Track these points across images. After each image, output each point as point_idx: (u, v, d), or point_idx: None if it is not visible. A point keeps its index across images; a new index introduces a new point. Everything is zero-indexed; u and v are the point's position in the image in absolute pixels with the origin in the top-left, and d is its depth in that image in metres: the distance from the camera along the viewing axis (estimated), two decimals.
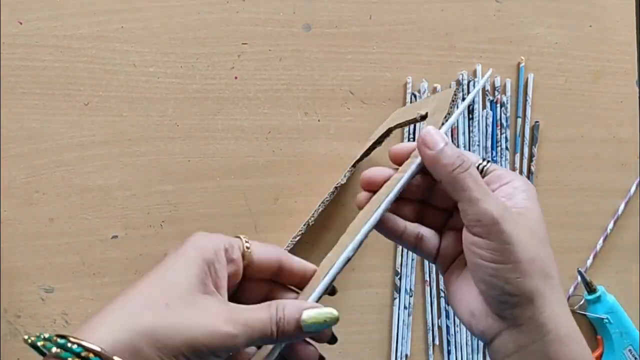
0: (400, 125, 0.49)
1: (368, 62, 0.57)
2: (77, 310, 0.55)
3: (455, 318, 0.57)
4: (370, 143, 0.53)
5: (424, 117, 0.42)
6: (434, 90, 0.57)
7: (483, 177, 0.35)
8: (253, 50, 0.56)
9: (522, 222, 0.33)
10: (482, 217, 0.32)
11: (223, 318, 0.29)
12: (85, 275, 0.55)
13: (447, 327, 0.58)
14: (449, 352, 0.58)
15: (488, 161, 0.37)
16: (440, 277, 0.57)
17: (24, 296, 0.54)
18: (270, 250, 0.35)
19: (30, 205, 0.54)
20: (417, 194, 0.38)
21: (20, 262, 0.54)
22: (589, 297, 0.57)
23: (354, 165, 0.54)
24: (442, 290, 0.58)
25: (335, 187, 0.53)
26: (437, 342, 0.58)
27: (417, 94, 0.57)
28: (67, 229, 0.54)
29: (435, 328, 0.58)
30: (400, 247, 0.57)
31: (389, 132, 0.51)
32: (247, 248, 0.34)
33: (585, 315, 0.57)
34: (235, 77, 0.56)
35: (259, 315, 0.30)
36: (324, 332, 0.33)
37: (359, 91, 0.57)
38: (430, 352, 0.57)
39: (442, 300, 0.58)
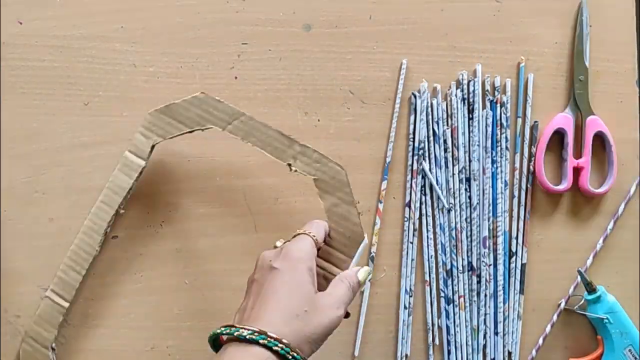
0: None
1: (368, 62, 0.57)
2: (77, 310, 0.55)
3: (456, 318, 0.57)
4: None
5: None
6: (434, 91, 0.57)
7: None
8: (253, 50, 0.56)
9: None
10: None
11: (335, 307, 0.42)
12: (85, 276, 0.55)
13: (447, 327, 0.58)
14: (449, 352, 0.58)
15: None
16: (440, 277, 0.57)
17: (24, 296, 0.54)
18: (321, 231, 0.47)
19: (30, 205, 0.54)
20: None
21: (20, 262, 0.54)
22: (589, 297, 0.56)
23: None
24: (441, 290, 0.58)
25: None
26: (437, 342, 0.58)
27: (417, 94, 0.57)
28: (67, 229, 0.54)
29: (435, 328, 0.58)
30: (401, 247, 0.57)
31: None
32: (317, 242, 0.45)
33: (585, 315, 0.57)
34: (235, 77, 0.56)
35: (344, 291, 0.43)
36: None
37: (359, 91, 0.57)
38: (431, 352, 0.57)
39: (442, 300, 0.58)
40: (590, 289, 0.56)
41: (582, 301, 0.57)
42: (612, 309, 0.56)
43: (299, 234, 0.45)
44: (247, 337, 0.37)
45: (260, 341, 0.37)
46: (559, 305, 0.58)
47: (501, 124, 0.58)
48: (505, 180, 0.58)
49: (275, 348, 0.37)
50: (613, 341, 0.56)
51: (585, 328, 0.59)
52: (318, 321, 0.40)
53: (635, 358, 0.56)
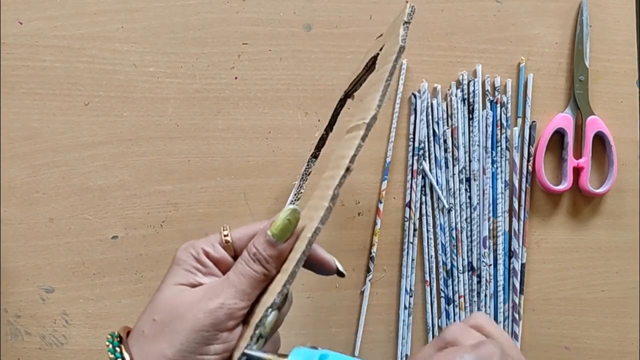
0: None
1: None
2: (77, 310, 0.55)
3: (456, 318, 0.57)
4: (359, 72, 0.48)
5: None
6: (434, 91, 0.57)
7: None
8: (253, 50, 0.56)
9: None
10: None
11: (206, 298, 0.32)
12: (85, 275, 0.55)
13: None
14: None
15: None
16: (441, 277, 0.57)
17: (24, 296, 0.54)
18: (248, 232, 0.36)
19: (30, 205, 0.54)
20: None
21: (20, 262, 0.54)
22: None
23: (347, 97, 0.51)
24: (442, 290, 0.58)
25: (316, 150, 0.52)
26: None
27: (417, 94, 0.57)
28: (67, 229, 0.54)
29: (436, 328, 0.58)
30: (401, 247, 0.57)
31: (374, 59, 0.44)
32: (227, 242, 0.35)
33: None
34: (235, 77, 0.56)
35: (237, 269, 0.33)
36: (328, 263, 0.36)
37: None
38: None
39: (442, 301, 0.58)
40: None
41: None
42: None
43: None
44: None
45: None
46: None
47: (501, 124, 0.58)
48: (505, 180, 0.58)
49: None
50: None
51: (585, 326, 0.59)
52: (177, 327, 0.31)
53: None
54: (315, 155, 0.52)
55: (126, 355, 0.31)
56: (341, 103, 0.50)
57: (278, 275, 0.34)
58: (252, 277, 0.33)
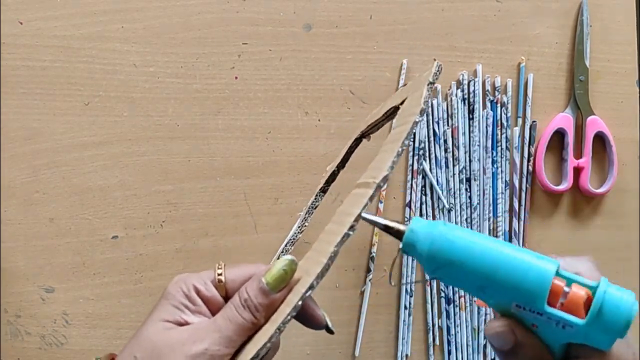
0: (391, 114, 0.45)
1: (368, 62, 0.57)
2: (77, 310, 0.55)
3: (456, 318, 0.57)
4: (376, 118, 0.48)
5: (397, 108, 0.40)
6: (435, 91, 0.57)
7: None
8: (253, 50, 0.56)
9: None
10: None
11: (190, 341, 0.31)
12: (85, 275, 0.55)
13: (447, 327, 0.57)
14: (449, 353, 0.58)
15: None
16: None
17: (24, 296, 0.54)
18: (242, 274, 0.34)
19: (30, 205, 0.54)
20: None
21: (20, 262, 0.54)
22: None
23: (362, 138, 0.51)
24: (442, 290, 0.58)
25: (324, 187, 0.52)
26: (437, 342, 0.58)
27: None
28: (67, 229, 0.54)
29: (436, 328, 0.58)
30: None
31: (395, 109, 0.44)
32: (220, 281, 0.34)
33: None
34: (235, 77, 0.56)
35: (225, 313, 0.32)
36: (318, 318, 0.34)
37: (359, 91, 0.57)
38: (431, 352, 0.57)
39: (442, 301, 0.58)
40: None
41: None
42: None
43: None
44: None
45: None
46: None
47: (501, 124, 0.58)
48: (505, 180, 0.58)
49: None
50: None
51: None
52: None
53: None
54: (324, 190, 0.52)
55: None
56: (356, 142, 0.50)
57: (266, 325, 0.32)
58: (239, 324, 0.32)
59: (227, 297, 0.34)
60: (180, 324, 0.33)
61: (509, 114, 0.58)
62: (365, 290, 0.57)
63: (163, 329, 0.32)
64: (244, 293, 0.32)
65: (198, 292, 0.34)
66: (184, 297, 0.34)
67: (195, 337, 0.31)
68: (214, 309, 0.34)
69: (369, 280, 0.57)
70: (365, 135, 0.51)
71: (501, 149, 0.58)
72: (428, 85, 0.35)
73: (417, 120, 0.34)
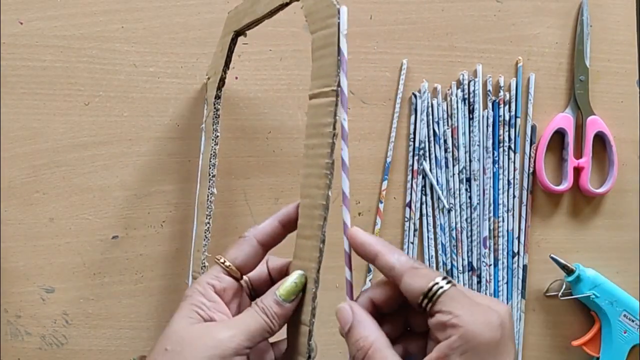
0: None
1: (368, 62, 0.57)
2: (77, 310, 0.55)
3: None
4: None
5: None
6: (435, 91, 0.57)
7: (431, 301, 0.31)
8: (253, 50, 0.56)
9: None
10: None
11: (219, 334, 0.33)
12: (85, 275, 0.55)
13: None
14: None
15: (447, 281, 0.32)
16: None
17: (24, 296, 0.54)
18: (243, 252, 0.38)
19: (30, 205, 0.54)
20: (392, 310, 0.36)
21: (20, 262, 0.54)
22: (570, 279, 0.57)
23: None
24: None
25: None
26: None
27: (417, 94, 0.57)
28: (67, 229, 0.54)
29: None
30: (402, 247, 0.57)
31: (282, 5, 0.44)
32: (228, 266, 0.37)
33: (574, 298, 0.58)
34: (236, 77, 0.56)
35: (244, 316, 0.35)
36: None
37: (359, 91, 0.57)
38: None
39: None
40: (568, 270, 0.57)
41: (564, 285, 0.58)
42: (595, 282, 0.56)
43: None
44: None
45: None
46: (545, 293, 0.58)
47: (504, 123, 0.57)
48: (508, 180, 0.58)
49: None
50: (606, 313, 0.56)
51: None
52: (184, 356, 0.33)
53: (632, 321, 0.56)
54: (218, 96, 0.51)
55: None
56: (234, 40, 0.49)
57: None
58: (260, 324, 0.34)
59: (241, 276, 0.38)
60: (204, 320, 0.35)
61: (512, 113, 0.58)
62: None
63: (189, 324, 0.35)
64: (261, 303, 0.35)
65: (214, 287, 0.36)
66: (201, 296, 0.36)
67: (221, 327, 0.34)
68: (233, 294, 0.37)
69: (369, 280, 0.57)
70: (241, 32, 0.49)
71: (503, 149, 0.58)
72: None
73: (337, 21, 0.37)
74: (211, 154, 0.50)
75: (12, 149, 0.54)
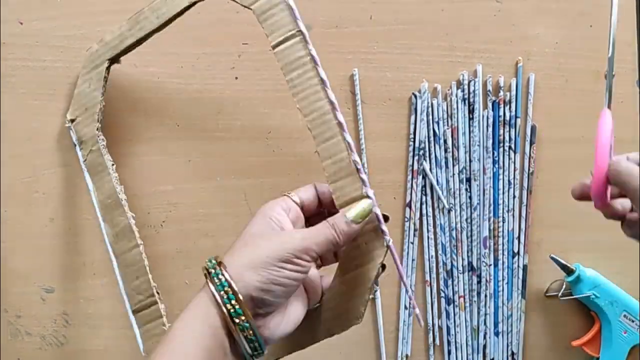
0: None
1: (368, 62, 0.57)
2: (77, 310, 0.55)
3: (456, 318, 0.57)
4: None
5: None
6: (435, 91, 0.57)
7: None
8: (253, 50, 0.56)
9: None
10: None
11: (296, 235, 0.39)
12: (85, 275, 0.55)
13: (447, 327, 0.58)
14: (449, 353, 0.58)
15: None
16: (441, 277, 0.57)
17: (24, 296, 0.54)
18: (308, 190, 0.44)
19: (30, 205, 0.54)
20: None
21: (20, 262, 0.54)
22: (570, 279, 0.57)
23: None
24: (442, 290, 0.58)
25: None
26: (437, 342, 0.58)
27: (417, 94, 0.57)
28: (67, 229, 0.54)
29: (436, 328, 0.58)
30: (402, 247, 0.57)
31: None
32: (295, 201, 0.43)
33: (573, 298, 0.58)
34: (236, 78, 0.56)
35: (318, 228, 0.40)
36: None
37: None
38: (431, 352, 0.57)
39: (442, 301, 0.58)
40: (568, 270, 0.57)
41: (564, 285, 0.58)
42: (595, 283, 0.56)
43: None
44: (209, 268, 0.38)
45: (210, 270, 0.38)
46: (545, 293, 0.58)
47: (504, 123, 0.57)
48: (508, 180, 0.58)
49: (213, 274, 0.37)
50: (606, 313, 0.56)
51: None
52: (264, 245, 0.38)
53: (632, 321, 0.56)
54: (99, 128, 0.53)
55: (225, 275, 0.37)
56: (108, 69, 0.52)
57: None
58: (327, 235, 0.39)
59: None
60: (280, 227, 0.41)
61: (512, 113, 0.58)
62: None
63: (266, 228, 0.40)
64: (332, 220, 0.40)
65: (281, 207, 0.42)
66: (273, 210, 0.41)
67: (295, 231, 0.40)
68: (298, 217, 0.43)
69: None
70: (116, 60, 0.53)
71: (503, 149, 0.58)
72: None
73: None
74: (115, 182, 0.51)
75: (12, 149, 0.55)
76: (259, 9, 0.46)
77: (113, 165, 0.52)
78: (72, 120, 0.53)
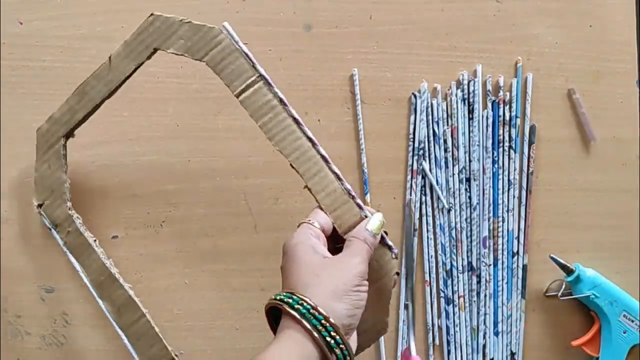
0: None
1: (368, 62, 0.57)
2: (77, 310, 0.55)
3: (455, 318, 0.57)
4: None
5: None
6: (434, 91, 0.57)
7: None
8: (253, 51, 0.56)
9: None
10: None
11: (350, 256, 0.42)
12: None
13: (447, 327, 0.58)
14: (449, 352, 0.58)
15: None
16: (441, 277, 0.57)
17: (24, 296, 0.54)
18: (319, 214, 0.46)
19: (30, 205, 0.54)
20: None
21: (20, 262, 0.54)
22: (570, 279, 0.57)
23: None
24: (441, 290, 0.58)
25: None
26: (437, 342, 0.58)
27: (417, 94, 0.57)
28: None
29: (436, 328, 0.58)
30: (402, 247, 0.57)
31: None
32: (319, 226, 0.45)
33: (573, 298, 0.58)
34: None
35: (355, 244, 0.43)
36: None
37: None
38: (431, 352, 0.57)
39: (442, 301, 0.58)
40: (568, 270, 0.57)
41: (564, 285, 0.58)
42: (594, 282, 0.56)
43: (299, 224, 0.45)
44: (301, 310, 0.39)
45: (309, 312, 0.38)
46: (545, 293, 0.58)
47: (503, 123, 0.57)
48: (508, 180, 0.58)
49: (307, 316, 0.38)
50: (606, 313, 0.56)
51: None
52: (337, 275, 0.40)
53: (632, 321, 0.56)
54: (70, 207, 0.52)
55: (320, 309, 0.38)
56: (64, 146, 0.51)
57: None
58: (367, 249, 0.42)
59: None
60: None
61: (512, 113, 0.58)
62: None
63: (318, 257, 0.41)
64: (359, 235, 0.43)
65: (312, 234, 0.43)
66: (310, 239, 0.42)
67: (346, 256, 0.42)
68: (321, 240, 0.44)
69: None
70: (71, 134, 0.52)
71: (503, 149, 0.58)
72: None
73: (226, 36, 0.46)
74: (103, 258, 0.51)
75: (12, 149, 0.55)
76: (212, 61, 0.46)
77: (95, 240, 0.51)
78: (40, 205, 0.51)
